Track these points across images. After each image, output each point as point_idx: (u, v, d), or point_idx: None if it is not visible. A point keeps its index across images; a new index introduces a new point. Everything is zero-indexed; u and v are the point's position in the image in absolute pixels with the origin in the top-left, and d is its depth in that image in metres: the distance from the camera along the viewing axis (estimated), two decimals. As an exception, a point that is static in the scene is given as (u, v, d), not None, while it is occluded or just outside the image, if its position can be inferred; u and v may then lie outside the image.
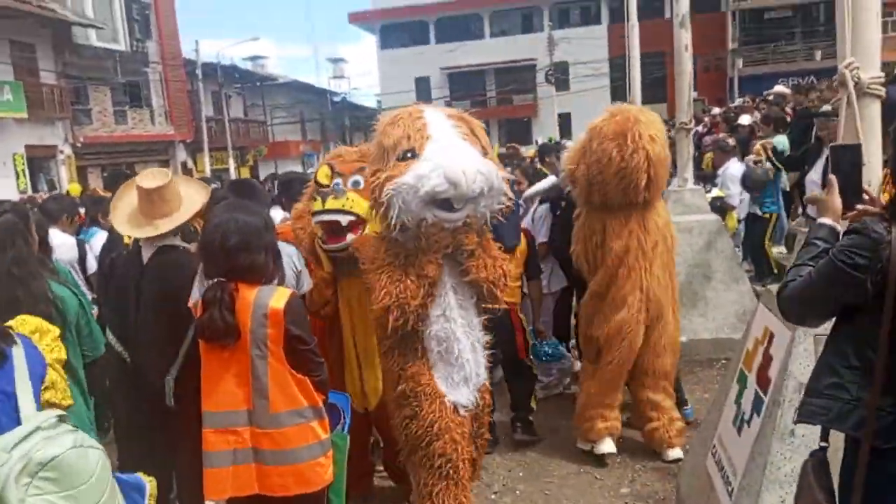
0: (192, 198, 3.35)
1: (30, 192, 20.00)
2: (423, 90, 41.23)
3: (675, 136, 6.98)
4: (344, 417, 3.02)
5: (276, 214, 4.94)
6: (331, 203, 3.43)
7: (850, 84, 2.86)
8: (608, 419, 4.28)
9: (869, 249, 1.82)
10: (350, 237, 3.46)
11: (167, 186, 3.26)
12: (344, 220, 3.45)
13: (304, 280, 3.42)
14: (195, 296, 2.93)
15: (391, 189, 2.98)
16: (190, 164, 30.88)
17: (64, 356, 2.10)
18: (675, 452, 4.21)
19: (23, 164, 21.69)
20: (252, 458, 2.61)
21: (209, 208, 3.29)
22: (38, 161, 22.99)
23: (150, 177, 3.34)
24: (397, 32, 42.47)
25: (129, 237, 3.73)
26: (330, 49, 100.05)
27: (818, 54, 35.05)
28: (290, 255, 3.33)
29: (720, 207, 7.53)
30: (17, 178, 21.38)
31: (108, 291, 3.96)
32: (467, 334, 3.21)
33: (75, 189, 14.99)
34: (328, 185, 3.49)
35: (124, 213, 3.36)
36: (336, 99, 48.25)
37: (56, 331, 2.12)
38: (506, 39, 41.24)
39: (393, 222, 3.02)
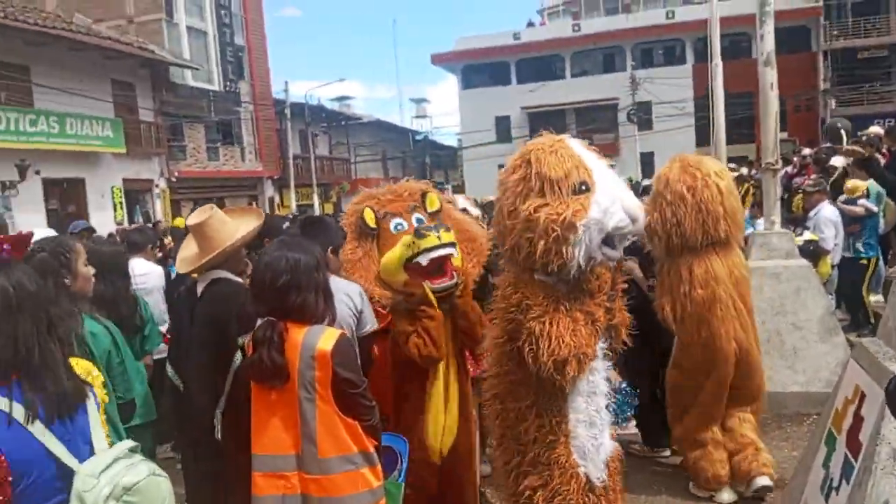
0: (237, 230, 3.37)
1: (126, 223, 21.02)
2: (503, 129, 41.49)
3: (761, 176, 6.69)
4: (401, 462, 2.91)
5: None
6: (444, 236, 3.25)
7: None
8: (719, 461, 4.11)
9: None
10: (454, 275, 3.36)
11: (206, 222, 3.30)
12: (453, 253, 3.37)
13: (368, 320, 3.36)
14: None
15: (582, 225, 2.68)
16: (277, 199, 31.89)
17: (107, 399, 2.13)
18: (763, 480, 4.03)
19: (120, 196, 22.83)
20: (301, 503, 2.54)
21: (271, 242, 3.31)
22: (135, 194, 24.16)
23: (196, 214, 3.41)
24: (479, 73, 42.96)
25: None
26: (414, 90, 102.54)
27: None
28: (351, 295, 3.28)
29: (813, 252, 7.14)
30: (115, 209, 22.50)
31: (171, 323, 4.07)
32: (605, 389, 2.94)
33: (181, 222, 15.68)
34: (375, 228, 3.52)
35: (185, 249, 3.46)
36: (418, 137, 49.12)
37: (101, 375, 2.14)
38: (587, 79, 41.10)
39: (575, 262, 2.70)
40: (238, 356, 3.05)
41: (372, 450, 2.61)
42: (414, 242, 3.30)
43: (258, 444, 2.60)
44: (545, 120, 42.22)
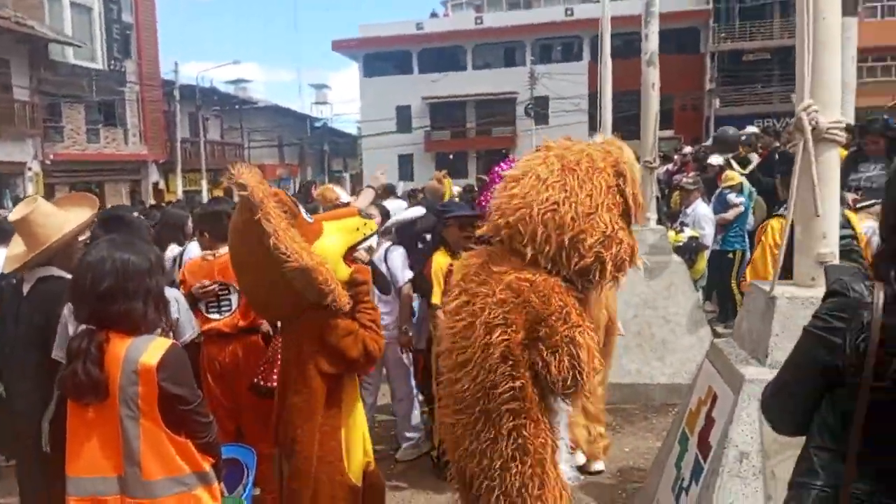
0: (65, 223, 3.10)
1: (-6, 207, 19.54)
2: (403, 119, 41.34)
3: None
4: (247, 476, 2.71)
5: (195, 249, 4.65)
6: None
7: (808, 129, 2.68)
8: None
9: (847, 311, 1.57)
10: None
11: (28, 217, 3.03)
12: None
13: (186, 327, 3.12)
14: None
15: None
16: (162, 184, 30.56)
17: None
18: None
19: (-12, 179, 21.27)
20: None
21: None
22: (5, 177, 22.55)
23: (18, 208, 3.14)
24: (380, 61, 42.56)
25: None
26: (315, 75, 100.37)
27: (794, 97, 35.53)
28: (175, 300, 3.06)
29: (695, 248, 7.40)
30: (-18, 193, 20.94)
31: None
32: None
33: None
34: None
35: (13, 246, 3.15)
36: (316, 124, 48.22)
37: None
38: (488, 72, 41.45)
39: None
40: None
41: (208, 468, 2.40)
42: (365, 224, 3.08)
43: (74, 465, 2.33)
44: (446, 111, 42.36)
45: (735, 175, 8.32)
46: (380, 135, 37.92)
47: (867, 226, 4.08)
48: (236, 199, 3.06)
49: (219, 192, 31.82)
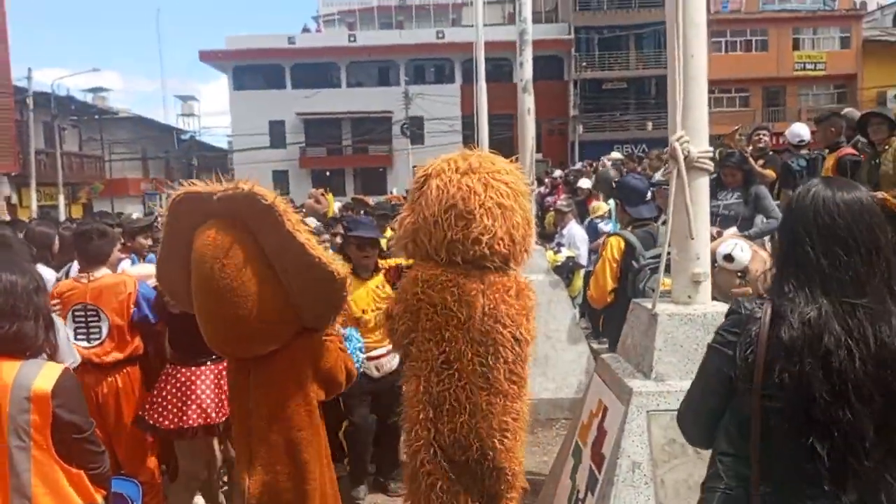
0: None
1: None
2: (277, 134, 40.55)
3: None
4: None
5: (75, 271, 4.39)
6: None
7: (681, 157, 2.90)
8: None
9: (739, 325, 1.73)
10: None
11: None
12: None
13: (67, 355, 2.95)
14: None
15: None
16: (14, 199, 28.33)
17: None
18: None
19: None
20: None
21: None
22: None
23: None
24: (251, 74, 41.60)
25: None
26: (181, 86, 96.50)
27: (649, 124, 38.01)
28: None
29: (571, 267, 7.77)
30: None
31: None
32: None
33: None
34: None
35: None
36: (183, 137, 46.33)
37: None
38: (363, 90, 41.53)
39: None
40: None
41: (100, 501, 2.29)
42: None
43: None
44: (321, 127, 41.94)
45: (602, 206, 8.88)
46: (252, 149, 36.97)
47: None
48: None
49: (78, 209, 30.04)
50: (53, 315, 2.88)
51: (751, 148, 7.44)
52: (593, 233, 8.51)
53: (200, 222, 2.57)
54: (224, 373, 3.50)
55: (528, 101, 7.45)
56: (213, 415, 3.69)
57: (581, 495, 2.79)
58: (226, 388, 3.43)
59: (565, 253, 7.93)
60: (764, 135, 7.73)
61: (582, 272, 8.14)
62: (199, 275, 2.55)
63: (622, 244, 4.29)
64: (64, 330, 3.11)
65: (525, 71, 7.45)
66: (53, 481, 2.17)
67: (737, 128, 8.88)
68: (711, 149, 3.19)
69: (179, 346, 3.81)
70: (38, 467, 2.15)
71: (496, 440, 2.67)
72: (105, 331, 3.84)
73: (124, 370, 3.91)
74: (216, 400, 3.69)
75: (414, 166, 37.00)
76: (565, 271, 7.38)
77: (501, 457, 2.70)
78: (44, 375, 2.17)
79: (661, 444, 2.55)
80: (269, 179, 38.97)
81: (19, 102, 28.36)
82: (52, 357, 2.35)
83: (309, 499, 2.71)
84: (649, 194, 5.06)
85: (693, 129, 2.98)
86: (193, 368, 3.74)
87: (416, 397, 2.75)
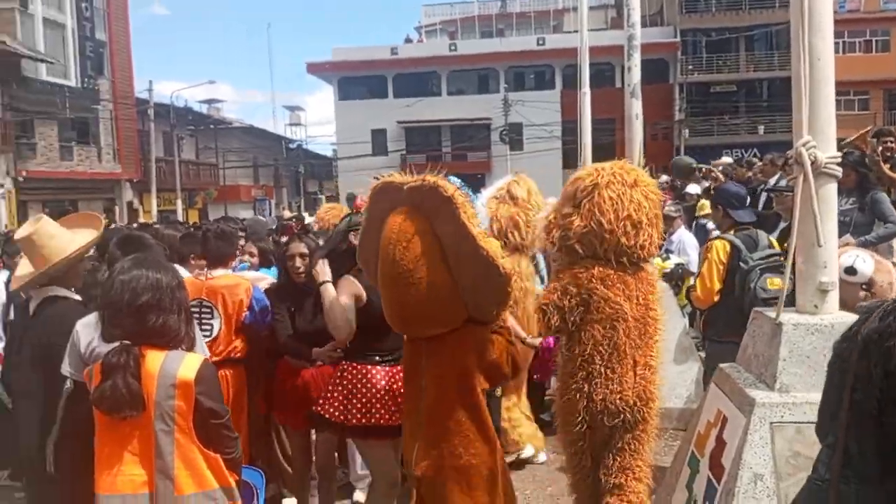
0: (70, 243, 3.12)
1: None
2: (379, 142, 41.51)
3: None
4: (257, 498, 2.75)
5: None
6: None
7: (808, 163, 2.81)
8: None
9: (853, 326, 1.73)
10: None
11: (30, 237, 3.06)
12: None
13: (199, 348, 3.16)
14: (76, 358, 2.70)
15: None
16: (136, 203, 30.24)
17: None
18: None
19: (-43, 196, 20.88)
20: None
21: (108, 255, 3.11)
22: (-25, 194, 22.18)
23: (24, 226, 3.18)
24: (355, 84, 42.79)
25: None
26: (289, 97, 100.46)
27: (761, 128, 36.51)
28: None
29: (681, 274, 7.57)
30: (-48, 210, 20.54)
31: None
32: None
33: None
34: None
35: (22, 265, 3.18)
36: (291, 146, 48.15)
37: None
38: (462, 98, 41.91)
39: None
40: (69, 382, 2.80)
41: (233, 484, 2.44)
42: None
43: (104, 483, 2.33)
44: (421, 135, 42.67)
45: (707, 204, 8.57)
46: (355, 157, 38.00)
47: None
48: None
49: (194, 214, 31.74)
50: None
51: (881, 149, 7.03)
52: (701, 232, 8.31)
53: (391, 209, 2.82)
54: (396, 376, 3.43)
55: (635, 106, 7.36)
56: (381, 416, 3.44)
57: (699, 505, 2.75)
58: (396, 392, 3.39)
59: (674, 259, 7.73)
60: (892, 141, 7.29)
61: (691, 279, 7.93)
62: (383, 257, 2.78)
63: (728, 247, 4.39)
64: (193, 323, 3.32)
65: (633, 76, 7.36)
66: (193, 463, 2.33)
67: (868, 129, 8.39)
68: (839, 154, 3.07)
69: (352, 343, 3.61)
70: (181, 450, 2.32)
71: (641, 406, 3.24)
72: (217, 327, 4.04)
73: (224, 371, 3.97)
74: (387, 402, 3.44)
75: (515, 171, 36.98)
76: (674, 278, 7.20)
77: (640, 427, 3.23)
78: (187, 365, 2.35)
79: (785, 457, 2.48)
80: (369, 185, 39.96)
81: (141, 113, 30.30)
82: (190, 349, 2.54)
83: (470, 475, 2.81)
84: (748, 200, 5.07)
85: (820, 134, 2.88)
86: (368, 367, 3.50)
87: (576, 374, 3.31)
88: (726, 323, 4.27)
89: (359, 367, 3.48)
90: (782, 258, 4.23)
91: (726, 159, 12.71)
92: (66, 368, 2.84)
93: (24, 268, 3.21)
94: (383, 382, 3.42)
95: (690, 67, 38.23)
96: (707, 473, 2.76)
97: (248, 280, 4.31)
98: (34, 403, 2.95)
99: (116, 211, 28.42)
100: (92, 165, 28.00)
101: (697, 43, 38.85)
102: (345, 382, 3.48)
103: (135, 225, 17.71)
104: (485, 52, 40.96)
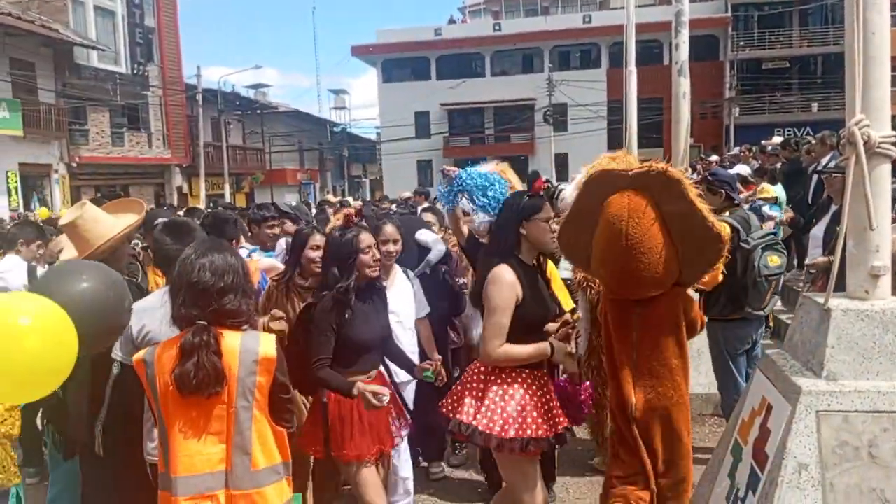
0: (113, 227, 3.19)
1: (21, 209, 19.81)
2: (422, 125, 41.46)
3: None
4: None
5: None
6: None
7: (860, 143, 2.71)
8: None
9: None
10: None
11: (75, 222, 3.14)
12: None
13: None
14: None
15: None
16: (185, 188, 30.83)
17: (16, 431, 1.85)
18: None
19: (16, 181, 21.54)
20: None
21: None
22: (32, 179, 22.86)
23: (68, 212, 3.24)
24: (399, 67, 42.77)
25: None
26: (334, 80, 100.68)
27: (814, 106, 35.39)
28: None
29: None
30: (10, 195, 21.20)
31: None
32: None
33: (44, 213, 14.85)
34: None
35: (69, 249, 3.27)
36: (336, 129, 48.45)
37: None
38: (506, 79, 41.55)
39: None
40: (116, 366, 2.87)
41: (290, 459, 2.53)
42: None
43: (181, 464, 2.36)
44: (464, 117, 42.49)
45: (770, 188, 8.34)
46: (398, 140, 38.07)
47: None
48: None
49: (241, 197, 32.22)
50: None
51: None
52: (757, 216, 8.10)
53: (610, 193, 3.08)
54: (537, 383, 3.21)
55: (683, 85, 7.17)
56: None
57: (741, 494, 2.69)
58: (541, 402, 3.17)
59: None
60: None
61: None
62: (611, 233, 3.04)
63: (727, 229, 4.40)
64: None
65: (681, 53, 7.16)
66: (266, 438, 2.41)
67: None
68: (894, 133, 2.95)
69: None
70: (257, 425, 2.39)
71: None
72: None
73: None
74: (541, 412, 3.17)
75: (556, 153, 36.76)
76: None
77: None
78: (265, 343, 2.43)
79: (831, 446, 2.42)
80: (413, 168, 40.04)
81: (190, 99, 30.80)
82: (253, 329, 2.61)
83: (679, 411, 3.07)
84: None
85: (874, 112, 2.77)
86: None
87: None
88: (730, 301, 4.51)
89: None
90: (775, 237, 4.77)
91: (777, 139, 12.37)
92: (116, 353, 2.90)
93: (69, 253, 3.30)
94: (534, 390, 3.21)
95: (741, 43, 37.16)
96: (750, 462, 2.70)
97: (259, 266, 4.36)
98: (82, 387, 3.01)
99: (167, 195, 29.05)
100: (142, 151, 28.63)
101: (749, 18, 37.74)
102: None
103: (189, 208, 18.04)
104: (529, 31, 40.49)
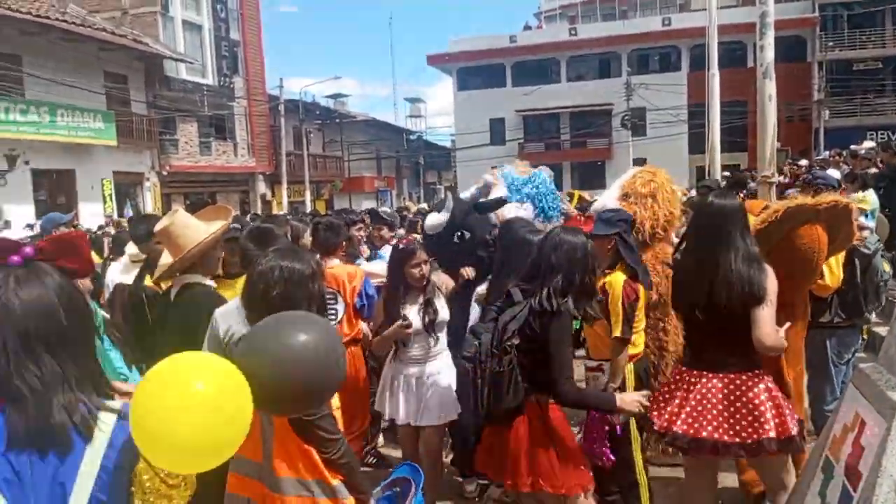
0: (203, 233, 3.32)
1: (115, 216, 20.83)
2: (497, 132, 41.49)
3: (757, 188, 6.62)
4: (413, 495, 2.72)
5: None
6: None
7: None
8: None
9: None
10: None
11: (168, 228, 3.29)
12: None
13: None
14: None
15: None
16: (269, 196, 31.77)
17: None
18: None
19: (110, 189, 22.64)
20: None
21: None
22: (125, 187, 23.98)
23: (162, 220, 3.39)
24: (474, 74, 42.92)
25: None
26: (410, 89, 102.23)
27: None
28: None
29: None
30: (105, 201, 22.31)
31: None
32: None
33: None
34: None
35: (164, 255, 3.46)
36: (412, 137, 49.02)
37: None
38: (583, 84, 41.15)
39: None
40: None
41: (335, 483, 2.43)
42: None
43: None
44: (540, 123, 42.30)
45: (870, 199, 7.93)
46: (473, 147, 38.20)
47: None
48: None
49: (321, 204, 33.00)
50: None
51: None
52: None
53: (800, 225, 3.57)
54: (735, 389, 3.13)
55: (769, 88, 6.96)
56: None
57: (833, 513, 2.59)
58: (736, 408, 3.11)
59: None
60: None
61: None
62: (805, 256, 3.61)
63: None
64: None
65: (766, 55, 6.95)
66: (289, 449, 2.43)
67: None
68: None
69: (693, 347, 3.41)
70: (278, 434, 2.42)
71: None
72: (341, 311, 4.30)
73: (350, 349, 4.24)
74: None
75: (634, 159, 36.06)
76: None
77: None
78: None
79: (931, 467, 2.30)
80: (489, 175, 40.02)
81: (273, 109, 31.75)
82: None
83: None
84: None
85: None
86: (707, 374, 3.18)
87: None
88: (843, 307, 4.50)
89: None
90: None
91: (868, 143, 11.82)
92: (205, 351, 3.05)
93: (165, 258, 3.47)
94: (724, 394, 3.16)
95: (830, 44, 35.68)
96: (842, 480, 2.60)
97: (362, 271, 4.57)
98: None
99: (251, 202, 30.01)
100: (228, 159, 29.67)
101: (838, 17, 36.22)
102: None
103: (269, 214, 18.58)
104: (606, 35, 40.02)
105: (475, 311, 4.38)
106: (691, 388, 3.17)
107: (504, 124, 41.87)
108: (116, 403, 1.52)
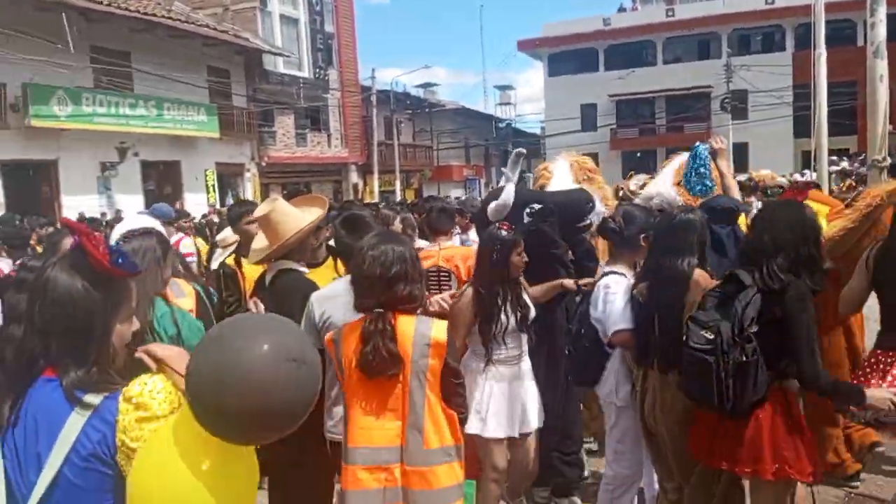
0: (300, 221, 3.42)
1: (218, 205, 21.75)
2: (588, 117, 40.79)
3: (867, 173, 6.29)
4: None
5: None
6: None
7: None
8: None
9: None
10: None
11: (268, 215, 3.40)
12: None
13: None
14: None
15: None
16: (361, 185, 32.40)
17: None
18: None
19: (213, 179, 23.64)
20: (401, 497, 2.54)
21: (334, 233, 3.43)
22: (227, 178, 24.96)
23: (261, 206, 3.53)
24: (565, 60, 42.30)
25: None
26: (500, 77, 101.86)
27: None
28: None
29: None
30: (208, 192, 23.32)
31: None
32: None
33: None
34: None
35: (257, 240, 3.61)
36: (501, 125, 48.82)
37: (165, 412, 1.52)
38: (679, 66, 39.87)
39: None
40: None
41: (462, 444, 2.63)
42: None
43: (355, 437, 2.59)
44: (633, 108, 41.31)
45: None
46: (564, 134, 37.72)
47: None
48: None
49: (410, 193, 33.42)
50: None
51: None
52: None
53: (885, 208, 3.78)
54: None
55: (880, 67, 6.59)
56: None
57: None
58: None
59: None
60: None
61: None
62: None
63: None
64: None
65: (877, 33, 6.58)
66: (438, 419, 2.56)
67: None
68: None
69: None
70: (430, 406, 2.55)
71: None
72: (454, 289, 4.30)
73: None
74: None
75: (735, 143, 34.74)
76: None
77: None
78: (437, 328, 2.59)
79: None
80: (579, 162, 39.41)
81: (365, 100, 32.30)
82: (425, 313, 2.76)
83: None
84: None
85: None
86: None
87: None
88: None
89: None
90: None
91: None
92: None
93: (260, 241, 3.61)
94: None
95: (951, 17, 33.12)
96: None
97: (473, 250, 4.61)
98: None
99: (343, 192, 30.69)
100: (323, 150, 30.40)
101: (961, -12, 33.59)
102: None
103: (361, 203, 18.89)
104: (705, 15, 38.61)
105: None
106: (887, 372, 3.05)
107: (596, 110, 41.13)
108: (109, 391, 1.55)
